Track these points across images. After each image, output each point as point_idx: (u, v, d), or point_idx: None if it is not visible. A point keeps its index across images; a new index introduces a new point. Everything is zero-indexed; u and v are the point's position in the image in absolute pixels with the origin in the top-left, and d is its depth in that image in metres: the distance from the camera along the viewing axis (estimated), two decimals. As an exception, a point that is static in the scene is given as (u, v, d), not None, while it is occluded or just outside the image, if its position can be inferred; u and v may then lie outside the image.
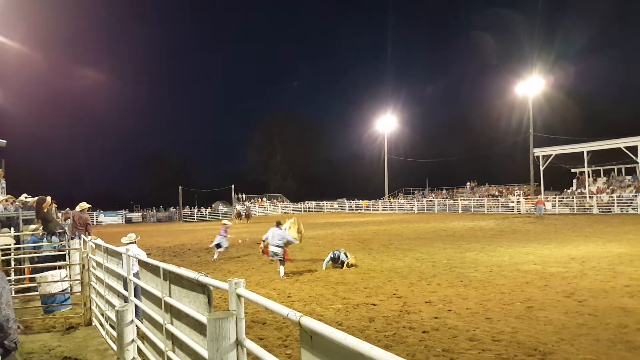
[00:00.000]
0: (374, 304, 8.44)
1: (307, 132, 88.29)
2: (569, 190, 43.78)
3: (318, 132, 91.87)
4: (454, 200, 50.32)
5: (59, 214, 22.37)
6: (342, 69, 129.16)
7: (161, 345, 3.73)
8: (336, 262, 12.57)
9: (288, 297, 9.40)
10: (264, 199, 65.31)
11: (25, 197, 14.11)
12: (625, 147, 37.13)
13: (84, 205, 11.61)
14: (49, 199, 11.30)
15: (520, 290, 9.08)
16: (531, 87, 44.51)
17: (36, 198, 11.15)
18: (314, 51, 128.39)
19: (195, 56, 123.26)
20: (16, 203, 13.81)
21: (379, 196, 61.11)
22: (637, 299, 8.08)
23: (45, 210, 11.05)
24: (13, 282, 9.86)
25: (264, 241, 12.90)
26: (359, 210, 56.82)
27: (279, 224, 12.61)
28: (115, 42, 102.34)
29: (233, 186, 55.43)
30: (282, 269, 11.71)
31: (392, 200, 58.01)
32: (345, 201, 63.04)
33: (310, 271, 12.33)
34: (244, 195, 64.12)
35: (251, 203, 61.92)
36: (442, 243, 17.98)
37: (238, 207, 50.92)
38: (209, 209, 57.73)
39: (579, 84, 57.95)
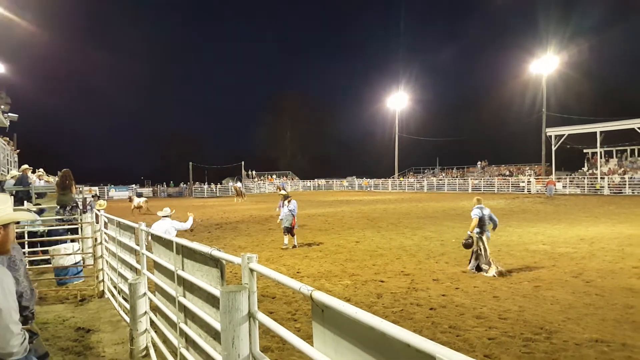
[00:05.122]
0: (382, 281, 8.52)
1: (317, 111, 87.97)
2: (580, 171, 43.38)
3: (328, 110, 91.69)
4: (464, 179, 50.11)
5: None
6: (354, 46, 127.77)
7: (173, 317, 3.81)
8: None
9: (297, 272, 9.52)
10: (274, 176, 65.46)
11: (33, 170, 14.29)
12: (639, 128, 36.54)
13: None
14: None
15: (528, 270, 9.12)
16: (545, 65, 43.79)
17: (63, 170, 11.39)
18: (325, 28, 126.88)
19: (207, 34, 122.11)
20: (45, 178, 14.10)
21: (389, 174, 61.04)
22: (646, 280, 8.08)
23: (67, 182, 11.20)
24: (27, 255, 10.02)
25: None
26: (369, 189, 56.75)
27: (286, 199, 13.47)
28: (127, 20, 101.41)
29: (243, 163, 55.52)
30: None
31: (402, 179, 57.85)
32: (355, 179, 62.98)
33: (320, 248, 12.43)
34: (254, 172, 64.29)
35: (261, 180, 62.09)
36: (451, 222, 18.00)
37: (237, 184, 43.90)
38: (219, 185, 58.07)
39: (594, 62, 56.80)
